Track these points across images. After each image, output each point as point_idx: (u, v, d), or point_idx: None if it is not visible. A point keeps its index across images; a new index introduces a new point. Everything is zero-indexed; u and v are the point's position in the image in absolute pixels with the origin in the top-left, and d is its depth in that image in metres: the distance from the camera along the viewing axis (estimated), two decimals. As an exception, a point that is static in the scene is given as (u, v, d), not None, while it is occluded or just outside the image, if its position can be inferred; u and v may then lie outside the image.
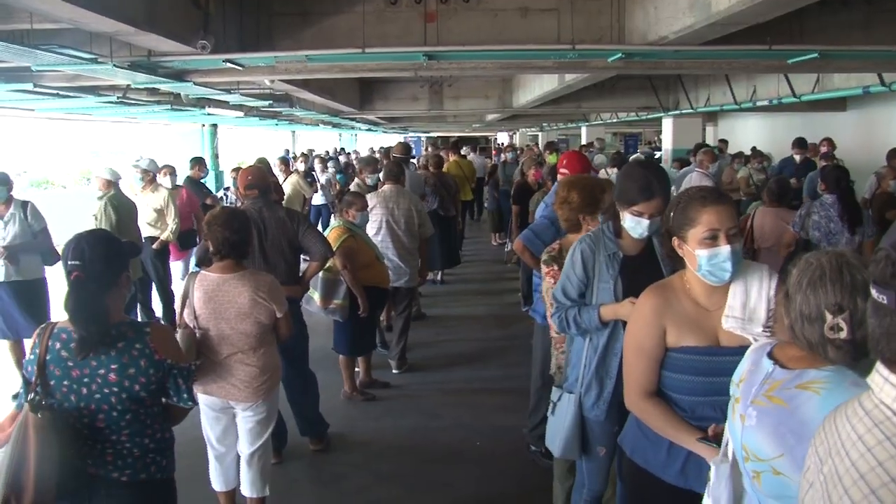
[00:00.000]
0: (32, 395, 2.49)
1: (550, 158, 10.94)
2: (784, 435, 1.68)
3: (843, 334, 1.60)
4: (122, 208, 7.31)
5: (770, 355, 1.83)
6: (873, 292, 1.02)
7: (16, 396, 4.52)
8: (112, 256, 2.58)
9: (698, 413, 2.37)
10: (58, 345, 2.52)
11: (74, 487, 2.49)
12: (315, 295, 5.59)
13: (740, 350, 2.12)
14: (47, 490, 2.39)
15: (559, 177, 4.82)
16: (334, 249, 5.45)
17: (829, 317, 1.61)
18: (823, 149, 10.81)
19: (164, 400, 2.70)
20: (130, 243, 2.89)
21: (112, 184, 7.34)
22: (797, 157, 11.02)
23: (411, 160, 10.69)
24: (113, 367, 2.49)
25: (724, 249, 2.28)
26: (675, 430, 2.37)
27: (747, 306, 2.33)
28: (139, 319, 7.45)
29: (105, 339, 2.50)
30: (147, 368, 2.53)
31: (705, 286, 2.38)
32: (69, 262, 2.53)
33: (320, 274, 5.43)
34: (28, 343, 6.14)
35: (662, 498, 2.49)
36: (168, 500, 2.80)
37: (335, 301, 5.62)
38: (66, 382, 2.50)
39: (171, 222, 8.04)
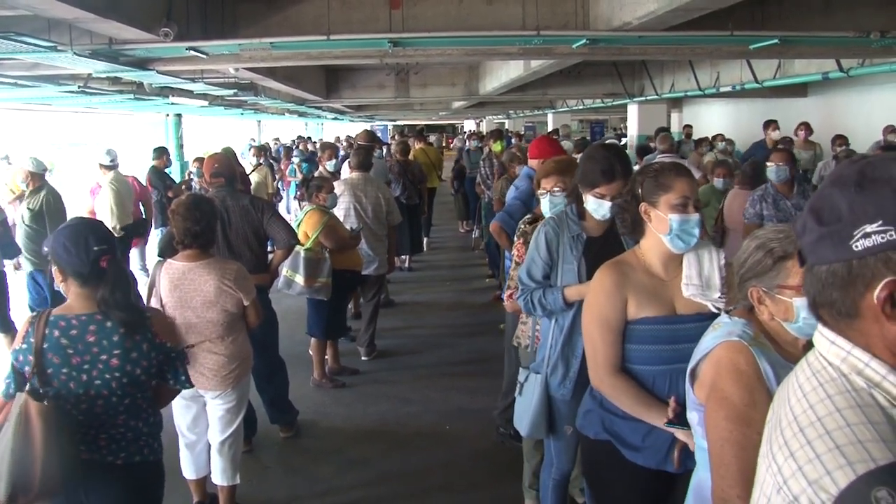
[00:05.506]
0: (30, 384, 2.46)
1: (496, 147, 10.82)
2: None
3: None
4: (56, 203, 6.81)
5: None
6: None
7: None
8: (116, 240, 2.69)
9: (659, 384, 2.44)
10: (56, 332, 2.50)
11: (75, 475, 2.47)
12: (297, 277, 5.57)
13: (696, 317, 2.38)
14: (53, 480, 2.35)
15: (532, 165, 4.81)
16: (319, 231, 5.64)
17: None
18: (801, 133, 11.00)
19: (153, 382, 2.73)
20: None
21: (39, 176, 6.76)
22: (768, 141, 11.15)
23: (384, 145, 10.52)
24: (116, 352, 2.51)
25: (694, 216, 2.41)
26: (646, 408, 2.41)
27: (702, 275, 2.45)
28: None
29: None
30: (149, 352, 2.58)
31: (661, 257, 2.48)
32: (94, 249, 2.49)
33: (302, 254, 5.49)
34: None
35: (629, 474, 2.54)
36: (159, 480, 2.83)
37: (320, 279, 5.63)
38: (65, 370, 2.49)
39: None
